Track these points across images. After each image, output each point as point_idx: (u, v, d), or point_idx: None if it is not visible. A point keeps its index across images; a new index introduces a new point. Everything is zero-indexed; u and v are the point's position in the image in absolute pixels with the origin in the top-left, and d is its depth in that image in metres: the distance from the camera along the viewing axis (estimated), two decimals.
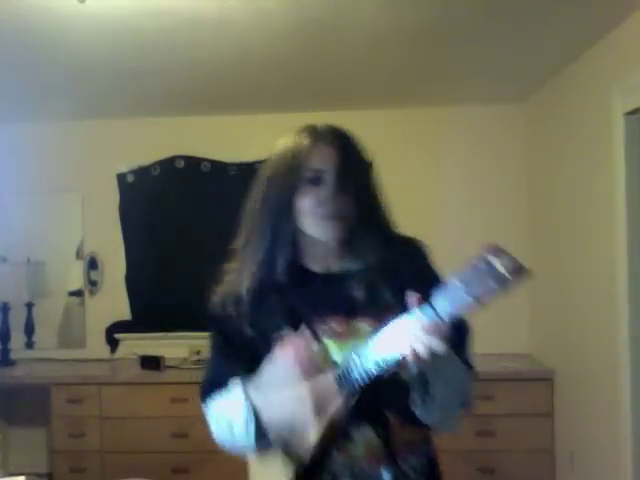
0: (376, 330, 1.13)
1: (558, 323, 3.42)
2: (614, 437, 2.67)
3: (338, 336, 1.22)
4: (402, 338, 1.05)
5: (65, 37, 2.55)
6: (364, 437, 1.20)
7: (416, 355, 1.04)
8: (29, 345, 4.06)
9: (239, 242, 1.33)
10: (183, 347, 3.86)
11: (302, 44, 2.73)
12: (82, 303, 4.15)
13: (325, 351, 1.21)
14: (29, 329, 4.05)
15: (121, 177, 4.10)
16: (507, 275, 0.93)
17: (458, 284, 0.97)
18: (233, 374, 1.28)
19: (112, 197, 4.10)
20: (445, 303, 1.00)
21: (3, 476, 3.33)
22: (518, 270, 0.93)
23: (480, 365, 3.52)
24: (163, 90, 3.46)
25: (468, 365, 1.29)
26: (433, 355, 1.04)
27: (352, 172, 1.25)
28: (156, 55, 2.83)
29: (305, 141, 1.26)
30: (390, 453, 1.21)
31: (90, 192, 4.11)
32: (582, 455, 3.09)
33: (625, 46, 2.53)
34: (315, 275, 1.29)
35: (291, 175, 1.24)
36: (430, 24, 2.51)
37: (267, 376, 1.21)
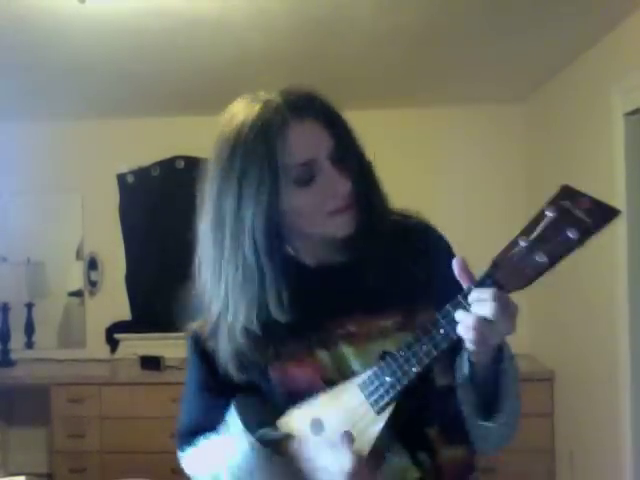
0: (405, 325, 0.92)
1: (558, 323, 3.42)
2: (614, 437, 2.67)
3: (357, 339, 0.97)
4: (454, 321, 0.82)
5: (65, 37, 2.55)
6: (397, 464, 0.95)
7: (477, 335, 0.80)
8: (29, 345, 4.05)
9: (203, 270, 1.05)
10: (183, 347, 3.85)
11: (302, 44, 2.73)
12: (82, 303, 4.15)
13: (341, 360, 0.97)
14: (29, 329, 4.04)
15: (121, 177, 4.10)
16: (588, 219, 0.73)
17: (523, 243, 0.77)
18: (220, 410, 1.02)
19: (112, 197, 4.10)
20: (508, 269, 0.78)
21: (3, 476, 3.33)
22: (602, 211, 0.74)
23: None
24: (163, 90, 3.46)
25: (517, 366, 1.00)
26: (496, 337, 0.82)
27: (348, 146, 0.99)
28: (156, 55, 2.83)
29: (275, 120, 0.93)
30: None
31: (90, 192, 4.11)
32: (582, 455, 3.09)
33: (625, 46, 2.53)
34: (315, 271, 1.02)
35: (270, 175, 0.91)
36: (429, 24, 2.51)
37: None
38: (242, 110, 0.98)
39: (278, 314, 0.94)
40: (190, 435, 1.07)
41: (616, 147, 2.58)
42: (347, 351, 0.96)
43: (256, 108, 0.96)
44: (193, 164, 4.05)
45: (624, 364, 2.56)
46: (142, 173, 4.09)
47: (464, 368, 0.90)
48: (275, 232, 0.93)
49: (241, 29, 2.52)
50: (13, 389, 3.86)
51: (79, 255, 4.15)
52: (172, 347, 3.88)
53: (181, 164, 4.06)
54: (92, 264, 4.13)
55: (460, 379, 0.92)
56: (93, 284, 4.14)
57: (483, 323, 0.80)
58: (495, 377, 0.90)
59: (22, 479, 2.68)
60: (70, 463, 3.58)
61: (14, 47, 2.67)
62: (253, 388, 1.02)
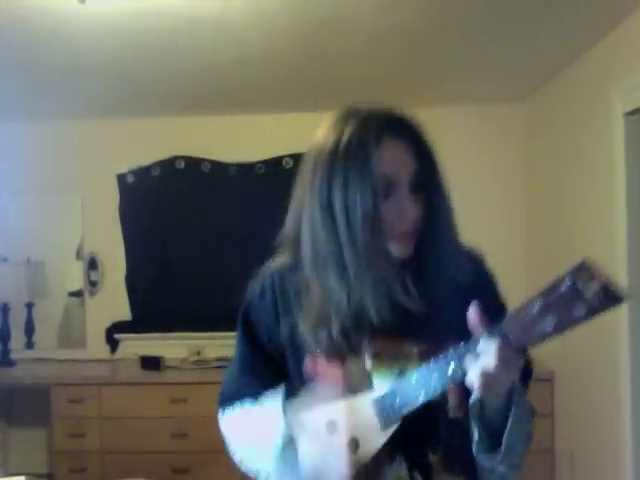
0: (428, 354, 0.97)
1: None
2: (614, 437, 2.67)
3: (382, 356, 1.04)
4: (463, 362, 0.89)
5: (65, 37, 2.55)
6: (396, 473, 1.02)
7: (483, 383, 0.86)
8: (29, 345, 4.05)
9: (301, 253, 1.08)
10: (183, 347, 3.86)
11: (302, 44, 2.73)
12: (82, 303, 4.15)
13: (363, 371, 1.04)
14: (29, 329, 4.04)
15: (121, 177, 4.10)
16: (596, 302, 0.78)
17: (538, 305, 0.81)
18: (262, 385, 1.14)
19: (112, 197, 4.10)
20: (519, 326, 0.83)
21: (3, 476, 3.33)
22: (610, 296, 0.77)
23: None
24: (163, 90, 3.46)
25: (532, 410, 1.04)
26: (500, 386, 0.89)
27: (429, 176, 1.05)
28: (156, 55, 2.83)
29: (370, 137, 1.00)
30: None
31: (90, 192, 4.11)
32: (582, 455, 3.09)
33: (625, 46, 2.53)
34: None
35: (368, 181, 0.98)
36: (429, 24, 2.52)
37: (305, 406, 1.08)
38: (337, 125, 1.05)
39: (407, 302, 1.01)
40: (230, 399, 1.20)
41: (616, 147, 2.58)
42: (371, 365, 1.04)
43: (352, 124, 1.02)
44: (193, 164, 4.05)
45: (624, 364, 2.56)
46: (142, 173, 4.09)
47: (473, 405, 0.95)
48: (379, 230, 1.00)
49: (241, 29, 2.52)
50: (13, 389, 3.86)
51: (79, 255, 4.15)
52: (172, 347, 3.89)
53: (181, 164, 4.06)
54: (92, 264, 4.13)
55: (470, 413, 0.96)
56: (93, 284, 4.14)
57: (486, 373, 0.86)
58: (502, 418, 0.94)
59: (22, 479, 2.68)
60: (70, 463, 3.58)
61: (14, 47, 2.67)
62: (283, 369, 1.13)
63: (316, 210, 1.03)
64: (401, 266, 1.04)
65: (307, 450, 1.07)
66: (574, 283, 0.79)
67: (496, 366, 0.84)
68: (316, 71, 3.15)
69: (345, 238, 1.00)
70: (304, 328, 1.08)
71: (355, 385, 1.04)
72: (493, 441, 0.95)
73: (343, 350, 1.05)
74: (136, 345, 3.94)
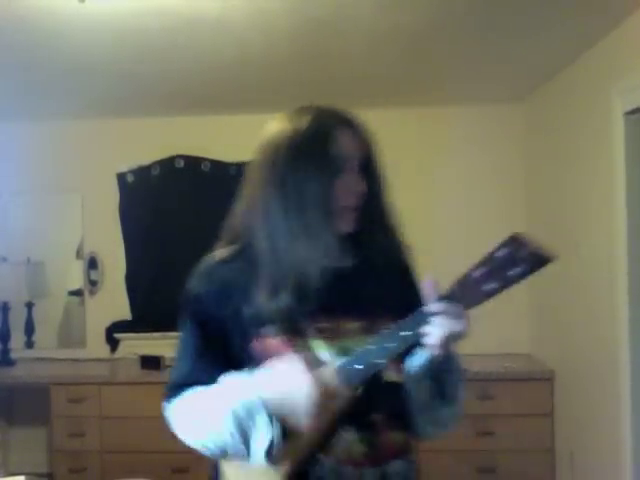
0: (369, 329, 1.12)
1: (558, 323, 3.42)
2: (614, 437, 2.67)
3: (327, 334, 1.16)
4: (419, 325, 1.03)
5: (65, 37, 2.55)
6: (349, 440, 1.15)
7: (438, 341, 1.02)
8: (29, 345, 4.06)
9: (250, 236, 1.20)
10: None
11: (302, 44, 2.73)
12: (82, 303, 4.15)
13: (310, 348, 1.15)
14: (29, 329, 4.05)
15: (121, 177, 4.10)
16: (529, 262, 0.92)
17: (480, 272, 0.96)
18: (212, 371, 1.17)
19: (112, 197, 4.10)
20: (466, 290, 0.98)
21: (3, 476, 3.33)
22: (541, 257, 0.93)
23: (480, 365, 3.55)
24: (163, 90, 3.46)
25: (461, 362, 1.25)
26: (454, 342, 1.05)
27: (373, 160, 1.20)
28: (156, 55, 2.83)
29: (328, 124, 1.17)
30: (375, 457, 1.17)
31: (90, 192, 4.11)
32: (582, 455, 3.09)
33: (625, 46, 2.53)
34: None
35: (324, 161, 1.14)
36: (429, 24, 2.51)
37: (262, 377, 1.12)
38: (292, 120, 1.20)
39: (334, 260, 1.15)
40: (181, 388, 1.23)
41: (616, 147, 2.58)
42: (316, 343, 1.15)
43: (309, 117, 1.18)
44: (193, 164, 4.05)
45: (624, 364, 2.56)
46: (142, 172, 4.09)
47: (419, 364, 1.13)
48: (331, 207, 1.15)
49: (241, 29, 2.52)
50: (13, 389, 3.86)
51: (79, 255, 4.15)
52: (172, 347, 3.87)
53: (181, 163, 4.06)
54: (92, 264, 4.13)
55: (414, 373, 1.15)
56: (93, 284, 4.14)
57: (444, 331, 1.02)
58: (444, 372, 1.15)
59: (22, 479, 2.68)
60: (70, 463, 3.58)
61: (14, 47, 2.67)
62: (233, 356, 1.18)
63: (271, 192, 1.16)
64: (344, 240, 1.18)
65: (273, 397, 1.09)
66: (509, 250, 0.94)
67: (452, 324, 1.01)
68: (316, 71, 3.15)
69: (295, 212, 1.13)
70: (258, 304, 1.15)
71: (306, 361, 1.10)
72: (438, 392, 1.16)
73: (290, 329, 1.14)
74: (136, 345, 3.94)
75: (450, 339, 1.03)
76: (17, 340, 4.01)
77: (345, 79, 3.31)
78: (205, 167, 4.03)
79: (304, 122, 1.17)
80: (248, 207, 1.23)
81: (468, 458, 3.44)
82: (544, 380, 3.46)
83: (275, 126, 1.22)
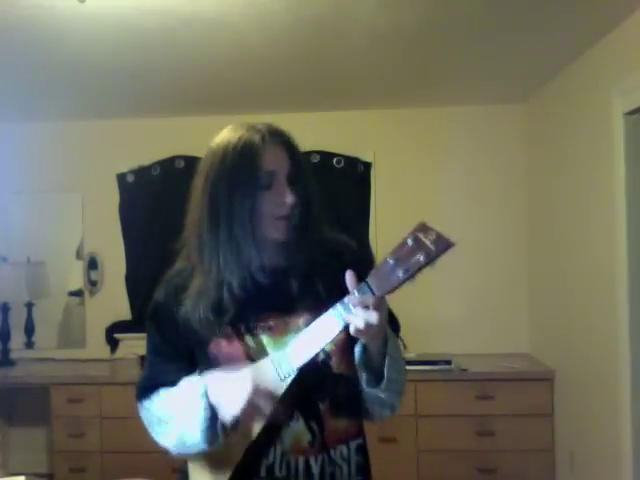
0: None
1: (558, 323, 3.42)
2: (614, 437, 2.67)
3: (274, 331, 1.25)
4: (342, 316, 1.12)
5: (65, 37, 2.56)
6: (295, 428, 1.23)
7: (358, 330, 1.10)
8: (29, 345, 4.05)
9: (190, 245, 1.31)
10: None
11: (302, 44, 2.73)
12: (82, 303, 4.15)
13: (260, 345, 1.24)
14: (29, 329, 4.05)
15: (121, 177, 4.11)
16: (433, 248, 1.02)
17: (391, 261, 1.06)
18: (175, 373, 1.28)
19: (112, 197, 4.10)
20: (379, 279, 1.08)
21: (3, 476, 3.33)
22: (443, 243, 1.03)
23: (480, 365, 3.56)
24: (163, 90, 3.46)
25: (401, 347, 1.33)
26: (377, 332, 1.14)
27: (300, 172, 1.28)
28: (156, 55, 2.83)
29: (255, 140, 1.24)
30: (321, 444, 1.24)
31: (90, 192, 4.11)
32: (582, 455, 3.09)
33: (625, 46, 2.53)
34: (253, 272, 1.29)
35: (251, 177, 1.22)
36: (430, 24, 2.52)
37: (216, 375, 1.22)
38: (231, 132, 1.29)
39: (260, 277, 1.25)
40: (149, 389, 1.34)
41: (616, 147, 2.58)
42: (266, 339, 1.25)
43: (243, 131, 1.27)
44: (193, 164, 4.04)
45: (624, 364, 2.56)
46: (142, 172, 4.09)
47: (358, 351, 1.23)
48: (254, 218, 1.23)
49: (241, 29, 2.53)
50: (13, 389, 3.86)
51: (79, 255, 4.15)
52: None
53: (181, 164, 4.06)
54: (92, 264, 4.13)
55: (357, 360, 1.24)
56: (93, 284, 4.14)
57: (363, 315, 1.09)
58: (381, 357, 1.21)
59: (22, 479, 2.68)
60: (70, 463, 3.58)
61: (14, 47, 2.67)
62: (191, 355, 1.29)
63: (204, 204, 1.25)
64: (277, 247, 1.27)
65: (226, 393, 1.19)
66: (415, 238, 1.04)
67: (365, 313, 1.09)
68: (316, 71, 3.15)
69: (224, 224, 1.22)
70: (192, 313, 1.25)
71: (255, 356, 1.22)
72: (377, 377, 1.23)
73: (239, 330, 1.25)
74: (136, 345, 3.93)
75: (367, 320, 1.09)
76: (17, 340, 4.01)
77: (345, 79, 3.31)
78: None
79: (235, 137, 1.26)
80: (189, 217, 1.32)
81: (468, 458, 3.44)
82: (544, 380, 3.46)
83: (215, 139, 1.32)
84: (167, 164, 4.06)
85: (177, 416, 1.24)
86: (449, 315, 3.89)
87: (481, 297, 3.85)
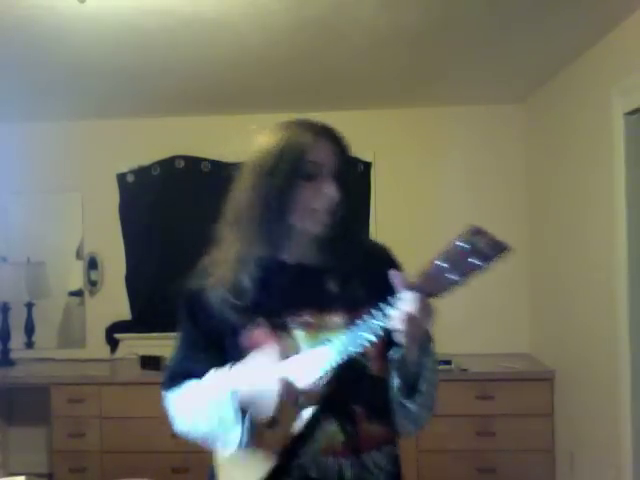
0: (348, 323, 1.18)
1: (558, 323, 3.42)
2: (614, 437, 2.67)
3: (310, 327, 1.24)
4: (386, 317, 1.09)
5: (65, 37, 2.56)
6: (329, 430, 1.20)
7: (407, 327, 1.07)
8: (29, 345, 4.05)
9: (226, 233, 1.32)
10: None
11: (302, 44, 2.73)
12: (82, 303, 4.15)
13: (294, 340, 1.23)
14: (29, 329, 4.04)
15: (121, 177, 4.11)
16: (489, 252, 0.99)
17: (441, 265, 1.02)
18: (204, 362, 1.28)
19: (112, 197, 4.10)
20: (428, 281, 1.04)
21: (3, 476, 3.34)
22: (499, 246, 1.00)
23: (480, 365, 3.56)
24: (163, 90, 3.46)
25: (437, 361, 1.31)
26: (421, 342, 1.13)
27: (347, 171, 1.28)
28: (156, 55, 2.83)
29: (306, 134, 1.26)
30: (354, 448, 1.22)
31: (90, 192, 4.11)
32: (582, 455, 3.09)
33: (625, 46, 2.53)
34: (289, 267, 1.29)
35: (293, 168, 1.23)
36: (430, 24, 2.52)
37: (245, 370, 1.20)
38: (274, 133, 1.30)
39: (292, 269, 1.27)
40: (178, 379, 1.34)
41: (616, 147, 2.58)
42: (300, 334, 1.23)
43: (296, 123, 1.30)
44: (193, 164, 4.05)
45: (624, 364, 2.56)
46: (142, 173, 4.09)
47: (395, 356, 1.20)
48: (288, 210, 1.24)
49: (241, 29, 2.53)
50: (13, 389, 3.87)
51: (79, 255, 4.15)
52: (172, 347, 3.89)
53: (181, 164, 4.06)
54: (92, 264, 4.13)
55: (391, 365, 1.22)
56: (93, 284, 4.14)
57: (407, 316, 1.07)
58: (418, 367, 1.20)
59: (22, 479, 2.68)
60: (70, 463, 3.58)
61: (14, 47, 2.67)
62: (221, 345, 1.28)
63: (247, 190, 1.27)
64: (316, 243, 1.27)
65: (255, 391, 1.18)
66: (469, 242, 1.01)
67: (414, 310, 1.06)
68: (316, 71, 3.15)
69: (264, 209, 1.23)
70: (224, 301, 1.26)
71: (288, 353, 1.19)
72: (410, 388, 1.21)
73: (274, 323, 1.23)
74: (136, 345, 3.94)
75: (412, 324, 1.08)
76: (17, 340, 4.01)
77: (345, 79, 3.31)
78: (205, 167, 4.03)
79: (288, 129, 1.28)
80: (230, 204, 1.32)
81: (468, 458, 3.44)
82: (544, 380, 3.46)
83: (261, 140, 1.32)
84: (167, 164, 4.06)
85: (206, 412, 1.24)
86: (449, 315, 3.86)
87: (481, 297, 3.85)
